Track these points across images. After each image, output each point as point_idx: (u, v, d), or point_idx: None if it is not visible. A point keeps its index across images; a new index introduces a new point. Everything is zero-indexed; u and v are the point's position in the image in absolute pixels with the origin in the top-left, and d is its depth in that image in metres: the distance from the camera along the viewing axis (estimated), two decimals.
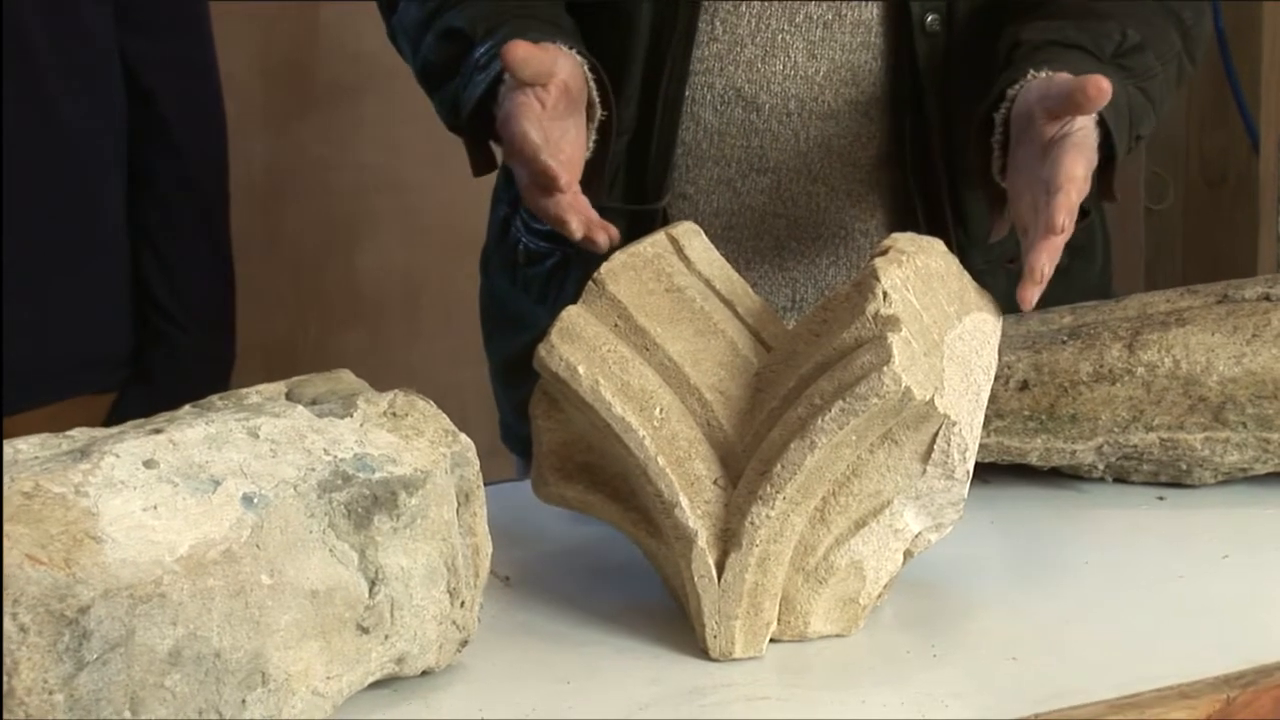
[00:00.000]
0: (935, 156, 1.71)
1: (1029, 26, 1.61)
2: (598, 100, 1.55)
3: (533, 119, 1.44)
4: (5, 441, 1.09)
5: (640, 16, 1.69)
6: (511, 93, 1.47)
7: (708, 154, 1.73)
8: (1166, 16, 1.68)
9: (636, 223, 1.70)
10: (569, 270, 1.77)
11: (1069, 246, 1.38)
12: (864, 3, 1.69)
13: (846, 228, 1.75)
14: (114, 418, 1.81)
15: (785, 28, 1.69)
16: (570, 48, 1.53)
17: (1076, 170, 1.39)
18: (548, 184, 1.42)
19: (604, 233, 1.43)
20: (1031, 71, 1.50)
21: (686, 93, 1.71)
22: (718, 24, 1.70)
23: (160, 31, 1.82)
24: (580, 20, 1.70)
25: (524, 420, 1.33)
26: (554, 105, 1.47)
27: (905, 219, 1.74)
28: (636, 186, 1.72)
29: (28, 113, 1.72)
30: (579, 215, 1.43)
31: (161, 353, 1.86)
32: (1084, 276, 1.80)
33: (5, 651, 0.97)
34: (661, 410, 1.22)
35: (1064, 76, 1.45)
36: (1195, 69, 1.72)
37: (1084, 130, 1.44)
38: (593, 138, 1.56)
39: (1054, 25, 1.60)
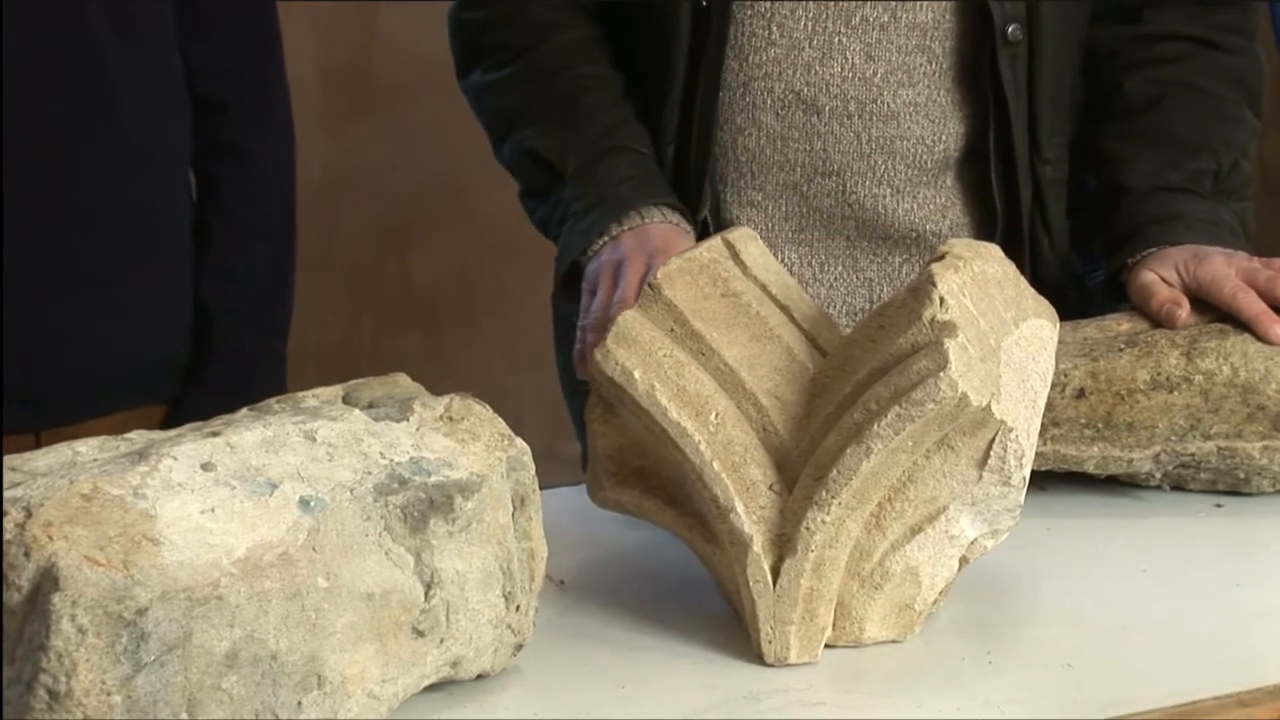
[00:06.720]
0: (1019, 164, 1.72)
1: (1131, 169, 1.70)
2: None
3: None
4: (65, 444, 1.10)
5: (680, 26, 1.70)
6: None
7: (772, 159, 1.73)
8: (1236, 88, 1.76)
9: None
10: None
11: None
12: (919, 2, 1.69)
13: (917, 229, 1.74)
14: (169, 424, 1.80)
15: (842, 30, 1.69)
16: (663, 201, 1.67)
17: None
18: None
19: None
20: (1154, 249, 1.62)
21: (747, 98, 1.71)
22: (774, 28, 1.70)
23: (227, 39, 1.82)
24: (625, 31, 1.72)
25: None
26: None
27: (984, 224, 1.74)
28: (680, 194, 1.73)
29: (95, 120, 1.72)
30: None
31: (217, 360, 1.86)
32: None
33: (64, 652, 0.97)
34: (717, 415, 1.22)
35: (1238, 304, 1.52)
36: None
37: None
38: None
39: (1152, 167, 1.69)
